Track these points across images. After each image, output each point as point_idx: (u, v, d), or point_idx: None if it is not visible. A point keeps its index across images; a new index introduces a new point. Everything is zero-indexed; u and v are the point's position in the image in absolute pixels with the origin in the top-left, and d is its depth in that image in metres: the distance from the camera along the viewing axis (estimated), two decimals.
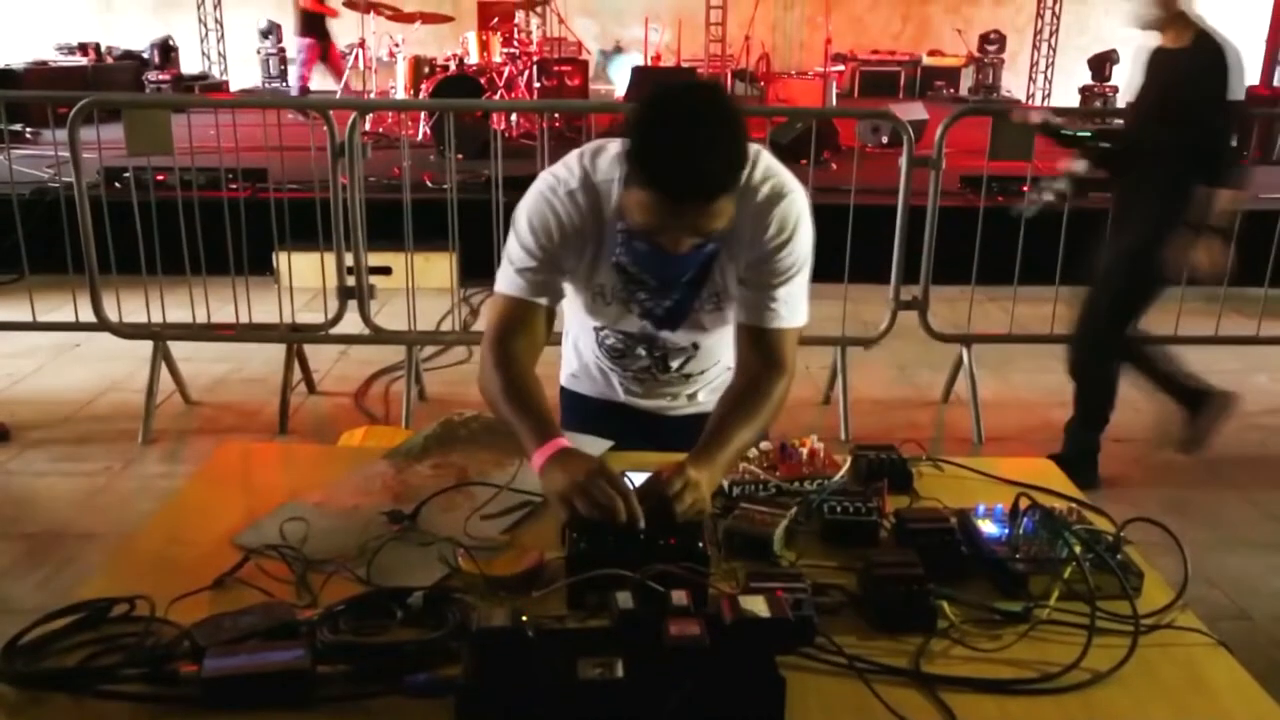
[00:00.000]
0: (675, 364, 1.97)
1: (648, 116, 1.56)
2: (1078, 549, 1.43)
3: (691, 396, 2.04)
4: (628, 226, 1.65)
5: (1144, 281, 3.71)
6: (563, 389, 2.17)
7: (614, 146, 1.69)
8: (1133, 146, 3.69)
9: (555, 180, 1.75)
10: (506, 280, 1.79)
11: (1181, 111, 3.43)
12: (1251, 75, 11.64)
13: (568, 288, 1.86)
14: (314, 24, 10.65)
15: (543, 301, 1.79)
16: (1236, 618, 3.00)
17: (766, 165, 1.74)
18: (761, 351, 1.77)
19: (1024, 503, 1.55)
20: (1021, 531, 1.51)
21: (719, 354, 1.99)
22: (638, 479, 1.57)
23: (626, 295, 1.83)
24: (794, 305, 1.78)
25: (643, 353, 1.95)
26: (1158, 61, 3.54)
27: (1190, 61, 3.40)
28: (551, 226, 1.74)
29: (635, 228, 1.62)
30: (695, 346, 1.94)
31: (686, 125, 1.51)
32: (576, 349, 2.09)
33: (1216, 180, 3.47)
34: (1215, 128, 3.46)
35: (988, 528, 1.54)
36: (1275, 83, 11.60)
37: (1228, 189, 3.46)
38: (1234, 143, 3.59)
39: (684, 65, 12.43)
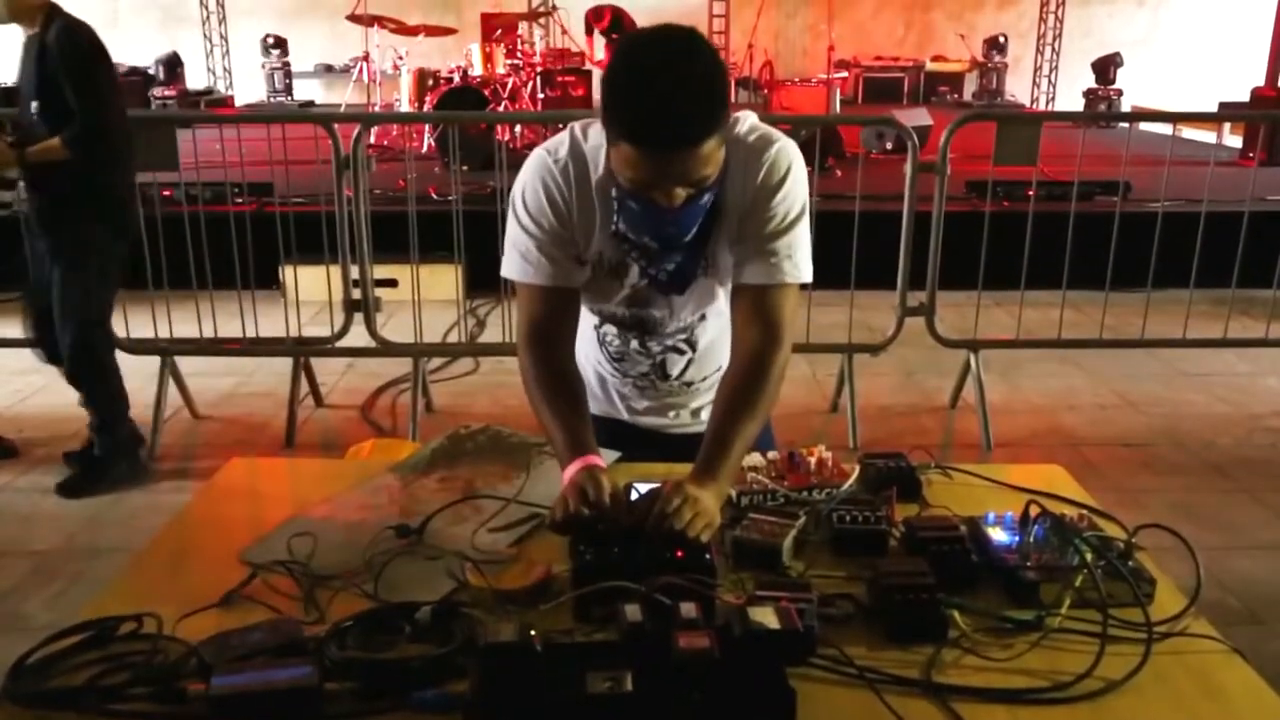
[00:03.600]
0: (674, 370, 1.94)
1: (621, 69, 1.52)
2: (1089, 556, 1.42)
3: (695, 413, 2.02)
4: (620, 190, 1.62)
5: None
6: None
7: None
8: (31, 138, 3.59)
9: (545, 153, 1.73)
10: (516, 267, 1.75)
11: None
12: (1256, 76, 11.62)
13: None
14: None
15: (562, 284, 1.75)
16: (1249, 622, 2.98)
17: (753, 121, 1.72)
18: (758, 317, 1.71)
19: (1034, 510, 1.54)
20: (1032, 539, 1.50)
21: (718, 358, 1.95)
22: (645, 490, 1.57)
23: (625, 263, 1.78)
24: (795, 258, 1.71)
25: (639, 352, 1.92)
26: (29, 50, 3.54)
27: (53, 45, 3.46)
28: (542, 198, 1.71)
29: (625, 185, 1.58)
30: (692, 348, 1.91)
31: (661, 73, 1.47)
32: (580, 363, 2.08)
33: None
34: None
35: (998, 535, 1.53)
36: None
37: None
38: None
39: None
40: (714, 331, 1.90)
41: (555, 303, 1.76)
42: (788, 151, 1.70)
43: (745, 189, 1.68)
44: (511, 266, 1.76)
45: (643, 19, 12.02)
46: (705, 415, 1.99)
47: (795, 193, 1.70)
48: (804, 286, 1.77)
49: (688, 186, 1.55)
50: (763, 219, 1.69)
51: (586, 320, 1.94)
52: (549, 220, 1.72)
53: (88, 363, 3.78)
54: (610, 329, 1.92)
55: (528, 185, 1.73)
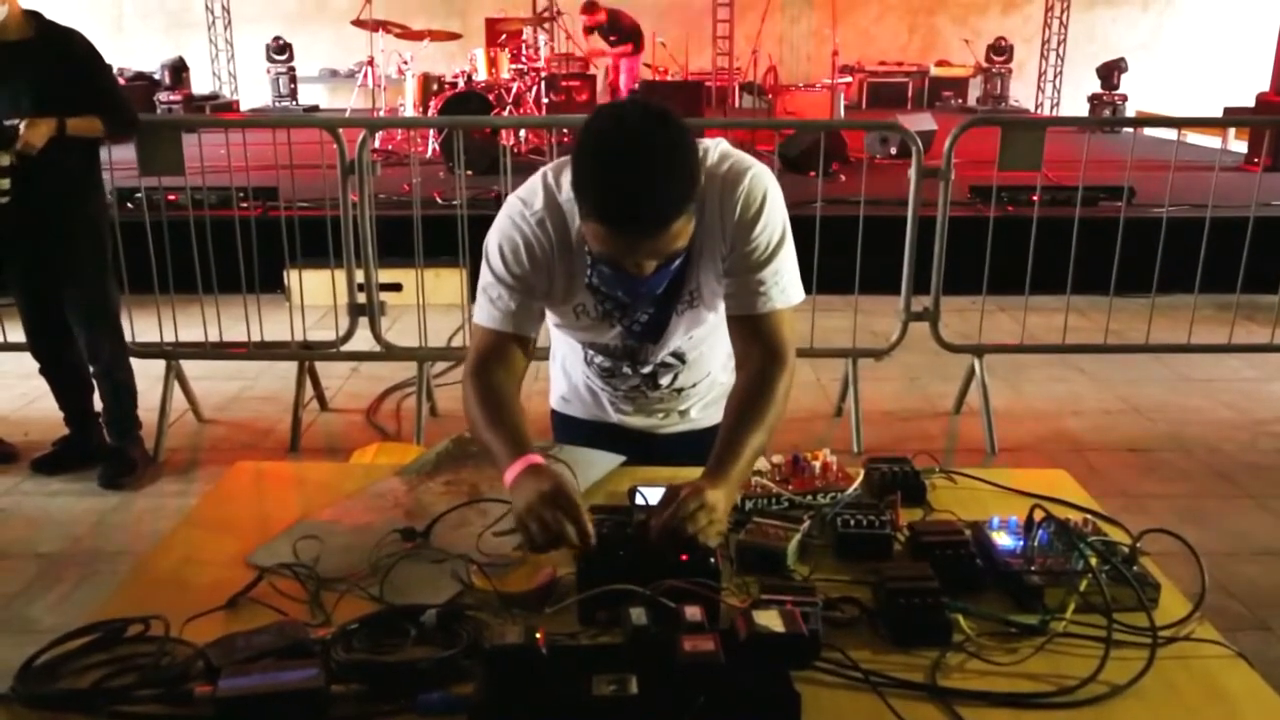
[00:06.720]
0: (665, 380, 1.95)
1: (590, 151, 1.51)
2: (1094, 561, 1.42)
3: (684, 413, 2.02)
4: (591, 252, 1.63)
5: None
6: (553, 412, 2.15)
7: None
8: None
9: (521, 204, 1.73)
10: (483, 312, 1.76)
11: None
12: (1262, 82, 11.61)
13: (548, 309, 1.83)
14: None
15: (519, 332, 1.75)
16: (1255, 628, 2.98)
17: (723, 148, 1.71)
18: (758, 342, 1.72)
19: (1039, 514, 1.54)
20: (1036, 543, 1.50)
21: (708, 366, 1.97)
22: (651, 494, 1.57)
23: (604, 312, 1.80)
24: (783, 284, 1.72)
25: (629, 371, 1.92)
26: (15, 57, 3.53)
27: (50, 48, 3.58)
28: (521, 253, 1.71)
29: (597, 256, 1.61)
30: (681, 360, 1.92)
31: (631, 158, 1.46)
32: (565, 371, 2.07)
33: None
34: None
35: (1002, 540, 1.53)
36: None
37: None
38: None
39: (690, 80, 12.45)
40: (703, 344, 1.91)
41: (511, 345, 1.76)
42: (761, 179, 1.70)
43: (723, 222, 1.68)
44: (481, 312, 1.76)
45: (647, 20, 12.06)
46: (694, 415, 2.01)
47: (774, 219, 1.70)
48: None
49: (657, 259, 1.57)
50: (746, 252, 1.69)
51: (574, 343, 1.94)
52: (524, 269, 1.71)
53: (124, 357, 3.96)
54: (599, 355, 1.93)
55: (504, 235, 1.73)
